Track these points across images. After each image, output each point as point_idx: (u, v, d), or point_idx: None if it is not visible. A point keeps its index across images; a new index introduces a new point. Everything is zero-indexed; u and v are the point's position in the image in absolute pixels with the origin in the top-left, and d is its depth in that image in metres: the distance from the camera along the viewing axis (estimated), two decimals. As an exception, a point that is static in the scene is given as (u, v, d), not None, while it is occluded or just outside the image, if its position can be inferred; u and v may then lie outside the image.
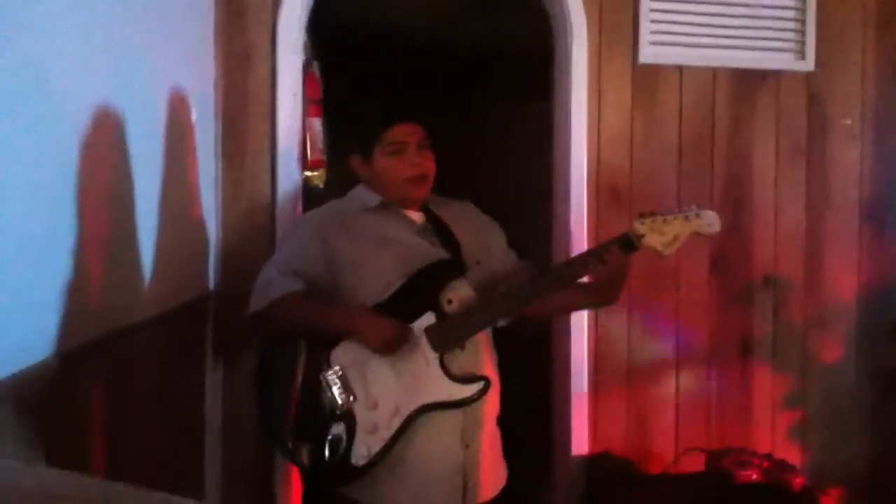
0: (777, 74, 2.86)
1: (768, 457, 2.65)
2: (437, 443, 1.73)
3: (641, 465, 2.83)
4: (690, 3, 2.78)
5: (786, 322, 2.90)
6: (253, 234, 2.51)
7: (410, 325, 1.71)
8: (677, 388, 2.84)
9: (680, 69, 2.80)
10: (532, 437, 2.94)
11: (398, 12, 3.72)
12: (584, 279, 1.79)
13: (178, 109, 2.03)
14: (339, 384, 1.69)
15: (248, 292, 1.91)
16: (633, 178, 2.78)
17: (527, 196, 3.49)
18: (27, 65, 1.16)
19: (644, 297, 2.78)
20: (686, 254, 2.76)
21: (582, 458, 2.79)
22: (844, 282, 2.93)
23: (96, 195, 1.44)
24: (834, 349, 2.94)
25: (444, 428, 1.73)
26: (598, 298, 1.88)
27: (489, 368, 1.80)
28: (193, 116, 2.16)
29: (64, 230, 1.29)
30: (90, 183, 1.39)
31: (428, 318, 1.72)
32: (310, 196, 2.85)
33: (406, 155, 1.77)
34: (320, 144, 3.06)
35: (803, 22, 2.84)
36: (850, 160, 2.92)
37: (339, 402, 1.69)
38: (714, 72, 2.82)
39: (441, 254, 1.78)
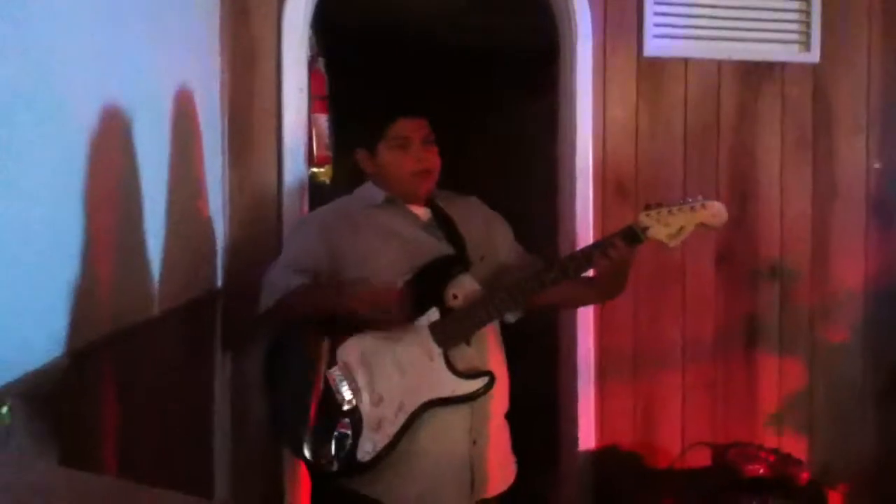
0: (782, 66, 2.85)
1: (775, 451, 2.65)
2: (444, 438, 1.73)
3: (648, 459, 2.83)
4: (695, -5, 2.77)
5: (792, 315, 2.90)
6: (260, 231, 2.52)
7: (414, 325, 1.72)
8: (683, 381, 2.84)
9: (685, 62, 2.79)
10: (539, 431, 2.95)
11: (403, 8, 3.72)
12: (590, 272, 1.79)
13: (184, 107, 2.03)
14: (344, 381, 1.70)
15: (255, 289, 1.92)
16: (638, 171, 2.78)
17: (533, 190, 3.49)
18: (33, 66, 1.17)
19: (650, 291, 2.79)
20: (692, 247, 2.76)
21: (589, 452, 2.80)
22: (851, 275, 2.92)
23: (104, 195, 1.46)
24: (840, 342, 2.94)
25: (451, 423, 1.74)
26: (603, 291, 1.88)
27: (496, 363, 1.81)
28: (199, 114, 2.17)
29: (72, 230, 1.30)
30: (97, 182, 1.40)
31: (433, 314, 1.72)
32: (316, 192, 2.86)
33: (411, 150, 1.77)
34: (326, 141, 3.07)
35: (808, 13, 2.83)
36: (856, 152, 2.91)
37: (345, 398, 1.69)
38: (719, 64, 2.82)
39: (446, 249, 1.79)
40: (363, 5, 3.52)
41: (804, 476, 2.54)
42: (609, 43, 2.74)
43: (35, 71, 1.17)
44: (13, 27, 1.10)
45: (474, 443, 1.76)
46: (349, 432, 1.69)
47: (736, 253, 2.85)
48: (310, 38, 2.79)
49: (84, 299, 1.31)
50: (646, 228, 1.69)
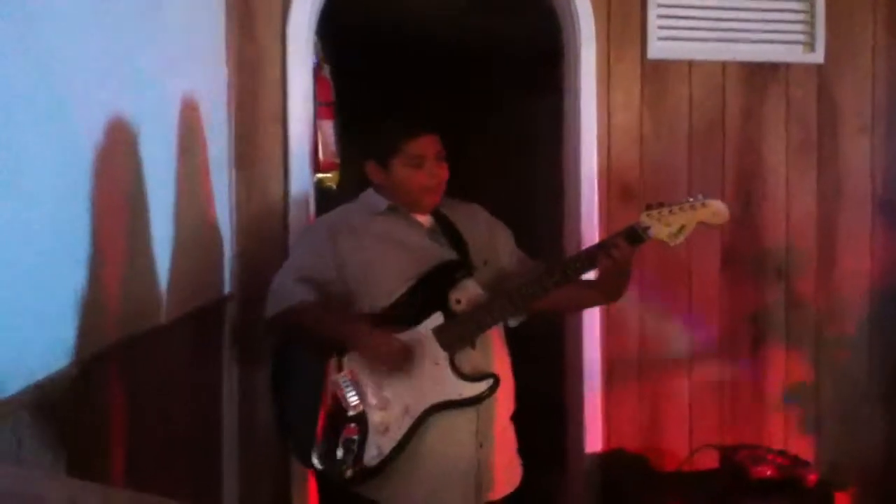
0: (787, 67, 2.85)
1: (782, 453, 2.65)
2: (450, 441, 1.75)
3: (655, 462, 2.83)
4: (698, -3, 2.78)
5: (798, 315, 2.89)
6: (266, 237, 2.54)
7: (418, 330, 1.73)
8: (690, 383, 2.84)
9: (689, 64, 2.80)
10: (546, 434, 2.95)
11: (405, 9, 3.73)
12: (591, 275, 1.80)
13: (190, 115, 2.05)
14: (350, 386, 1.71)
15: (262, 295, 1.94)
16: (643, 173, 2.79)
17: (538, 191, 3.49)
18: (43, 78, 1.18)
19: (656, 292, 2.79)
20: (697, 248, 2.77)
21: (596, 455, 2.80)
22: (857, 274, 2.92)
23: (110, 203, 1.47)
24: (847, 341, 2.93)
25: (457, 426, 1.75)
26: (605, 293, 1.89)
27: (501, 366, 1.82)
28: (205, 122, 2.19)
29: (78, 239, 1.31)
30: (104, 191, 1.41)
31: (437, 319, 1.73)
32: (323, 198, 2.88)
33: (425, 166, 1.79)
34: (332, 147, 3.08)
35: (812, 14, 2.83)
36: (861, 152, 2.91)
37: (352, 403, 1.71)
38: (723, 65, 2.82)
39: (449, 255, 1.80)
40: (366, 7, 3.53)
41: (812, 477, 2.53)
42: (613, 46, 2.75)
43: (41, 81, 1.18)
44: (23, 43, 1.12)
45: (480, 445, 1.77)
46: (356, 437, 1.70)
47: (741, 253, 2.85)
48: (315, 45, 2.81)
49: (91, 308, 1.32)
50: (647, 228, 1.70)
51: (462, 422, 1.75)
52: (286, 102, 2.56)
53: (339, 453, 1.70)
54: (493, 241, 1.92)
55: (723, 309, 2.85)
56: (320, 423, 1.72)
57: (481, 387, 1.72)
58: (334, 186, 3.24)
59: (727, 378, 2.86)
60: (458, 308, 1.75)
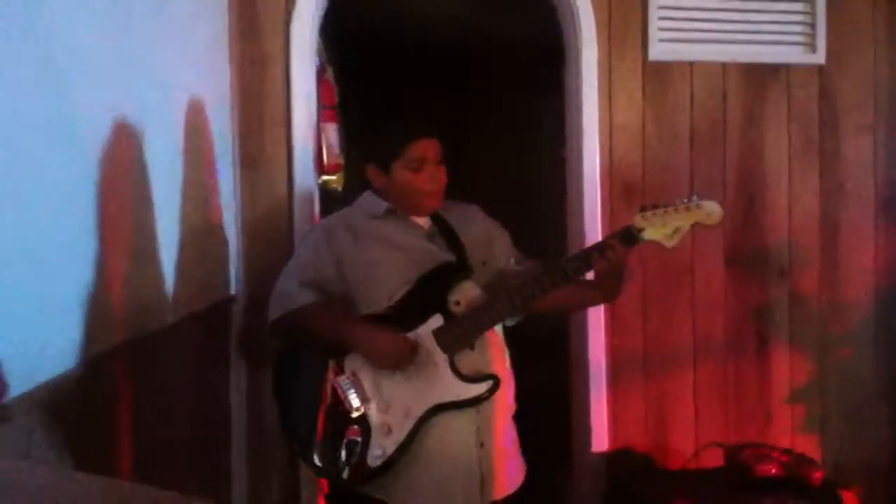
0: (788, 68, 2.86)
1: (788, 451, 2.65)
2: (452, 441, 1.76)
3: (661, 460, 2.84)
4: (699, -1, 2.79)
5: (802, 313, 2.90)
6: (272, 238, 2.56)
7: (417, 332, 1.74)
8: (695, 382, 2.85)
9: (690, 65, 2.81)
10: (552, 433, 2.96)
11: (410, 11, 3.74)
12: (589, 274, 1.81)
13: (195, 118, 2.07)
14: (352, 389, 1.73)
15: (268, 297, 1.95)
16: (645, 173, 2.80)
17: (542, 190, 3.50)
18: (48, 80, 1.20)
19: (660, 292, 2.80)
20: (701, 247, 2.79)
21: (602, 453, 2.81)
22: (860, 272, 2.92)
23: (118, 206, 1.49)
24: (851, 340, 2.94)
25: (458, 427, 1.76)
26: (601, 293, 1.90)
27: (500, 367, 1.83)
28: (210, 124, 2.21)
29: (87, 242, 1.33)
30: (111, 194, 1.43)
31: (436, 320, 1.75)
32: (329, 199, 2.90)
33: (425, 169, 1.80)
34: (336, 149, 3.10)
35: (813, 15, 2.84)
36: (863, 151, 2.92)
37: (354, 406, 1.72)
38: (724, 67, 2.83)
39: (448, 257, 1.81)
40: (369, 8, 3.55)
41: (818, 476, 2.53)
42: (614, 47, 2.76)
43: (47, 84, 1.20)
44: (28, 46, 1.14)
45: (482, 445, 1.79)
46: (359, 439, 1.72)
47: (744, 253, 2.86)
48: (318, 47, 2.83)
49: (98, 309, 1.34)
50: (642, 230, 1.71)
51: (463, 422, 1.76)
52: (290, 104, 2.58)
53: (342, 454, 1.72)
54: (490, 241, 1.93)
55: (727, 308, 2.86)
56: (321, 424, 1.73)
57: (481, 388, 1.74)
58: (339, 188, 3.26)
59: (732, 377, 2.87)
60: (457, 310, 1.76)
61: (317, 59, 2.80)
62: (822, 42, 2.84)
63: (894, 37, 2.91)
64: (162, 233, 1.73)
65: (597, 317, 2.77)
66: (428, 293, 1.76)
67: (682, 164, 2.82)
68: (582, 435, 2.87)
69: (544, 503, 2.62)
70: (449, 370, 1.73)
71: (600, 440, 2.81)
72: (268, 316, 1.86)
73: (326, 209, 2.62)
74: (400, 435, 1.71)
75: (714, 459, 2.75)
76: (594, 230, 2.72)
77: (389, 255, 1.80)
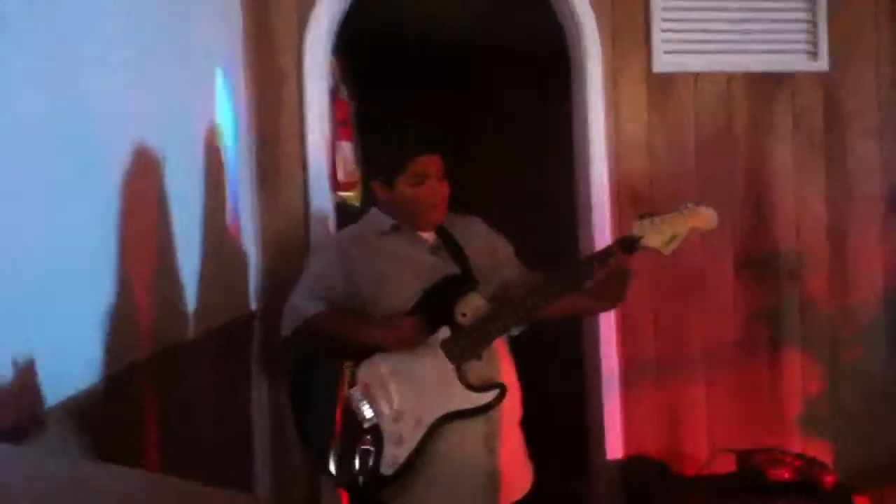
0: (792, 76, 2.90)
1: (800, 455, 2.67)
2: (461, 448, 1.82)
3: (675, 466, 2.88)
4: (701, 10, 2.84)
5: (812, 317, 2.93)
6: (290, 254, 2.63)
7: (426, 345, 1.81)
8: (707, 387, 2.89)
9: (695, 76, 2.86)
10: (568, 441, 3.01)
11: (422, 19, 3.81)
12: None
13: (213, 145, 2.17)
14: (364, 400, 1.80)
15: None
16: (653, 182, 2.85)
17: (551, 196, 3.55)
18: (75, 110, 1.29)
19: (671, 300, 2.85)
20: (711, 253, 2.83)
21: (618, 461, 2.85)
22: (869, 275, 2.94)
23: (141, 229, 1.58)
24: (862, 342, 2.96)
25: (467, 434, 1.82)
26: (603, 300, 1.96)
27: (507, 375, 1.89)
28: (228, 149, 2.30)
29: (112, 263, 1.42)
30: (135, 218, 1.52)
31: (443, 332, 1.81)
32: (347, 215, 2.97)
33: (427, 184, 1.87)
34: (350, 166, 3.19)
35: (815, 23, 2.88)
36: (869, 156, 2.94)
37: (367, 416, 1.79)
38: (729, 77, 2.88)
39: (453, 270, 1.88)
40: (384, 17, 3.61)
41: (830, 480, 2.56)
42: (618, 59, 2.82)
43: (75, 116, 1.29)
44: (55, 77, 1.23)
45: (490, 451, 1.84)
46: (372, 448, 1.78)
47: (754, 259, 2.90)
48: (332, 65, 2.92)
49: (124, 326, 1.43)
50: (641, 237, 1.77)
51: (472, 429, 1.82)
52: (303, 123, 2.67)
53: (356, 463, 1.78)
54: (494, 253, 1.99)
55: (737, 313, 2.89)
56: (336, 434, 1.80)
57: (488, 396, 1.80)
58: (357, 204, 3.34)
59: (744, 381, 2.90)
60: (463, 321, 1.82)
61: (330, 78, 2.90)
62: (824, 49, 2.88)
63: (897, 48, 2.95)
64: (182, 253, 1.82)
65: (608, 325, 2.82)
66: (434, 306, 1.83)
67: (688, 173, 2.87)
68: (597, 443, 2.91)
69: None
70: (457, 380, 1.79)
71: (614, 447, 2.86)
72: (282, 330, 1.94)
73: (344, 225, 2.70)
74: (411, 443, 1.78)
75: (727, 464, 2.77)
76: (603, 239, 2.76)
77: (396, 270, 1.87)
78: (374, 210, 1.99)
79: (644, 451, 2.88)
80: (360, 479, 1.78)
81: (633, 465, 2.87)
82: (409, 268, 1.88)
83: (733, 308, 2.89)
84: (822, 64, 2.89)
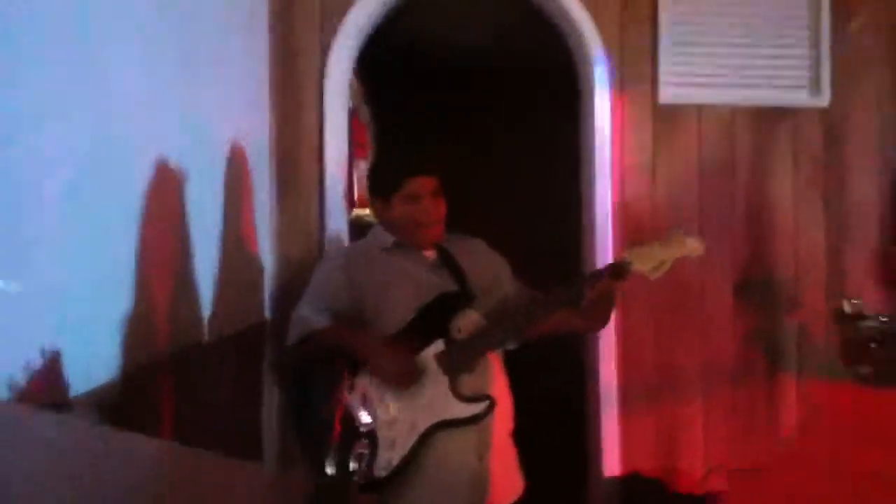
0: (794, 111, 3.00)
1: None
2: (452, 455, 1.93)
3: (671, 484, 2.96)
4: (706, 45, 2.95)
5: (809, 342, 3.00)
6: (305, 267, 2.76)
7: (421, 356, 1.92)
8: (704, 407, 2.97)
9: (699, 108, 2.97)
10: (565, 457, 3.11)
11: (443, 48, 3.96)
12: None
13: (235, 160, 2.32)
14: (361, 406, 1.92)
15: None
16: (656, 210, 2.95)
17: (559, 223, 3.66)
18: (104, 129, 1.44)
19: (669, 321, 2.94)
20: (710, 277, 2.92)
21: (615, 479, 2.94)
22: (866, 304, 3.00)
23: (161, 236, 1.73)
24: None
25: (458, 442, 1.93)
26: (591, 321, 2.07)
27: (498, 389, 1.99)
28: (250, 162, 2.45)
29: (133, 268, 1.56)
30: (156, 227, 1.67)
31: (438, 346, 1.93)
32: (362, 232, 3.10)
33: (421, 203, 1.98)
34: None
35: (818, 59, 2.97)
36: (868, 192, 3.02)
37: (364, 421, 1.91)
38: (732, 110, 2.98)
39: (451, 287, 1.99)
40: (402, 39, 3.75)
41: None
42: (626, 91, 2.94)
43: (103, 132, 1.44)
44: (84, 102, 1.38)
45: (480, 459, 1.95)
46: (367, 451, 1.90)
47: (753, 285, 2.98)
48: (351, 88, 3.07)
49: (142, 327, 1.57)
50: (629, 263, 1.87)
51: (463, 438, 1.93)
52: (322, 143, 2.82)
53: (352, 465, 1.90)
54: (492, 273, 2.10)
55: (735, 335, 2.98)
56: (334, 438, 1.92)
57: (478, 408, 1.90)
58: (373, 220, 3.48)
59: (740, 401, 2.97)
60: (458, 336, 1.93)
61: (350, 102, 3.05)
62: (826, 85, 2.97)
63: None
64: (200, 262, 1.96)
65: (608, 342, 2.92)
66: (431, 320, 1.94)
67: (691, 202, 2.96)
68: (595, 460, 3.00)
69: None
70: (449, 391, 1.90)
71: (612, 464, 2.95)
72: (287, 338, 2.06)
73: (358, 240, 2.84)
74: (404, 448, 1.89)
75: (723, 483, 2.85)
76: (603, 260, 2.84)
77: (397, 285, 1.99)
78: (377, 227, 2.11)
79: (641, 469, 2.96)
80: (355, 480, 1.89)
81: (630, 482, 2.96)
82: (409, 283, 1.99)
83: (731, 330, 2.98)
84: (824, 100, 2.98)
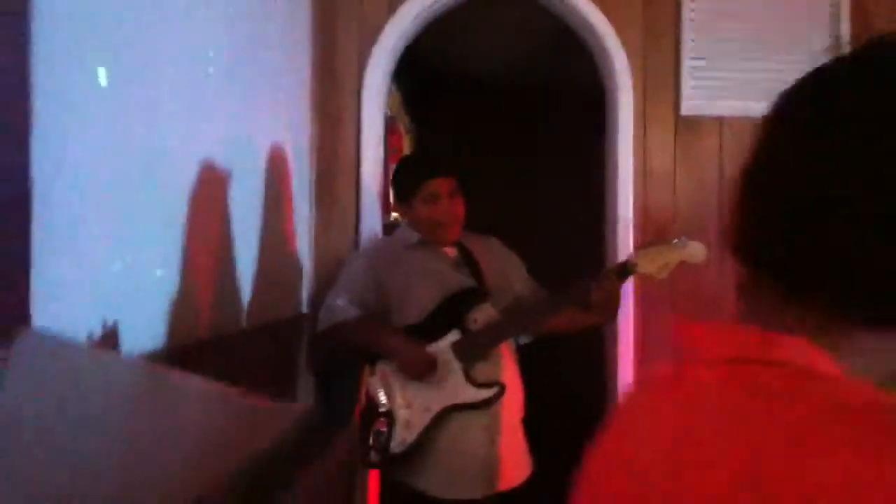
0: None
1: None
2: (464, 437, 2.09)
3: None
4: (728, 58, 3.06)
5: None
6: (339, 266, 2.95)
7: (438, 344, 2.09)
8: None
9: (720, 120, 3.07)
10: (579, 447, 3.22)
11: (477, 61, 4.15)
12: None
13: (277, 161, 2.51)
14: (381, 388, 2.09)
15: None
16: (676, 217, 3.06)
17: (580, 233, 3.80)
18: (149, 132, 1.63)
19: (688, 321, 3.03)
20: (728, 282, 3.01)
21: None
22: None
23: (205, 229, 1.92)
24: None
25: (470, 424, 2.09)
26: (598, 317, 2.21)
27: (509, 376, 2.15)
28: (291, 165, 2.65)
29: (179, 256, 1.76)
30: (201, 220, 1.86)
31: (455, 335, 2.09)
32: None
33: (440, 203, 2.16)
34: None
35: (838, 73, 3.04)
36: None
37: (382, 401, 2.08)
38: (753, 122, 3.05)
39: (469, 282, 2.16)
40: (439, 53, 3.94)
41: None
42: (649, 102, 3.07)
43: (148, 134, 1.63)
44: (139, 92, 1.58)
45: (491, 441, 2.10)
46: (384, 430, 2.07)
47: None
48: (392, 96, 3.25)
49: (186, 310, 1.76)
50: (635, 264, 2.01)
51: (474, 421, 2.09)
52: (360, 151, 3.01)
53: (370, 441, 2.07)
54: (507, 270, 2.26)
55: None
56: (356, 417, 2.09)
57: (489, 393, 2.07)
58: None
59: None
60: (473, 327, 2.10)
61: (387, 110, 3.24)
62: (847, 98, 3.04)
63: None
64: (241, 255, 2.15)
65: (626, 344, 3.04)
66: (450, 312, 2.11)
67: (710, 210, 3.06)
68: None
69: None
70: (463, 377, 2.07)
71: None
72: (317, 326, 2.25)
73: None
74: (418, 428, 2.06)
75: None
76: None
77: (421, 279, 2.16)
78: (404, 226, 2.29)
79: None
80: (373, 454, 2.06)
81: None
82: (431, 278, 2.16)
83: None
84: (843, 112, 3.05)
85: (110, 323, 1.42)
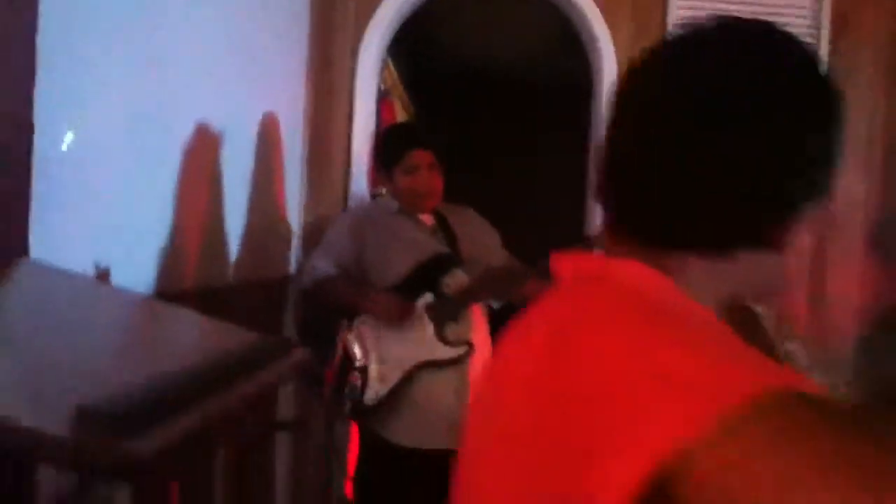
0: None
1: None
2: (435, 391, 2.22)
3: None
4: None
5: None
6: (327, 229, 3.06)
7: (413, 303, 2.21)
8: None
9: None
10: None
11: (473, 48, 4.24)
12: None
13: (270, 129, 2.62)
14: (356, 344, 2.22)
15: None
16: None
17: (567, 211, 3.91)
18: (150, 95, 1.74)
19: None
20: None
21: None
22: (847, 312, 3.14)
23: (196, 185, 2.04)
24: (843, 383, 3.15)
25: (440, 381, 2.22)
26: None
27: (479, 337, 2.28)
28: (284, 133, 2.76)
29: (170, 208, 1.88)
30: (192, 176, 1.98)
31: (428, 297, 2.22)
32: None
33: (419, 175, 2.27)
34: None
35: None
36: (857, 191, 3.15)
37: (358, 356, 2.21)
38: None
39: (444, 249, 2.28)
40: (439, 45, 4.04)
41: None
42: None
43: (154, 100, 1.75)
44: (147, 66, 1.69)
45: (459, 398, 2.23)
46: (359, 383, 2.20)
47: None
48: (386, 70, 3.34)
49: (173, 258, 1.88)
50: (594, 239, 2.13)
51: (444, 378, 2.22)
52: (352, 122, 3.11)
53: (346, 393, 2.21)
54: (482, 239, 2.38)
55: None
56: (333, 369, 2.22)
57: (459, 351, 2.19)
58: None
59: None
60: (446, 290, 2.22)
61: (381, 84, 3.33)
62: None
63: (891, 88, 3.16)
64: (230, 213, 2.27)
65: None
66: (425, 276, 2.24)
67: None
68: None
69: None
70: (434, 336, 2.20)
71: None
72: (301, 283, 2.37)
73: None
74: (391, 382, 2.19)
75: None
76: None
77: (398, 245, 2.28)
78: (386, 194, 2.41)
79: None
80: (348, 405, 2.20)
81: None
82: (409, 244, 2.29)
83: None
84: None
85: (102, 267, 1.53)
